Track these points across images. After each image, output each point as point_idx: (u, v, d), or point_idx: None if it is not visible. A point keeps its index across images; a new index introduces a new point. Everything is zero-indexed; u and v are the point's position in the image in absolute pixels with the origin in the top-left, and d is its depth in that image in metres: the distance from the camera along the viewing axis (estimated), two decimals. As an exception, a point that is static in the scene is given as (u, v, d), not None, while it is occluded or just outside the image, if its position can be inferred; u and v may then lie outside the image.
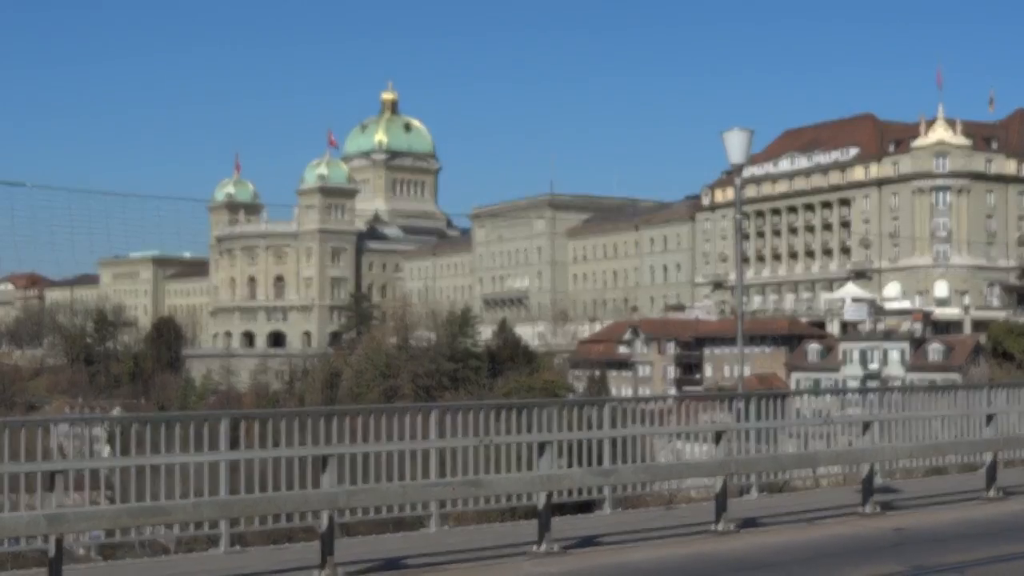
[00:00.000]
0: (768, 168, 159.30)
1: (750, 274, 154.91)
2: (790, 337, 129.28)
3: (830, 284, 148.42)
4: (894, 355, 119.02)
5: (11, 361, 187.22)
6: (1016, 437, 21.88)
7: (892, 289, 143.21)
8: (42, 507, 12.87)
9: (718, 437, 18.17)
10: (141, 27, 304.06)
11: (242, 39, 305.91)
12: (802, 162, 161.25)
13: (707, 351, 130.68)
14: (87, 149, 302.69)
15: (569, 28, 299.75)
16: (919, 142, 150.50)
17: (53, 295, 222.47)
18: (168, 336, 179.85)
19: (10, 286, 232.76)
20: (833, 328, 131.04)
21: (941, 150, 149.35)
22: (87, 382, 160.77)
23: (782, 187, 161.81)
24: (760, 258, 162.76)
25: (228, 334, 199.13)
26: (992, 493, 19.72)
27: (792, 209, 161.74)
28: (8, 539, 13.15)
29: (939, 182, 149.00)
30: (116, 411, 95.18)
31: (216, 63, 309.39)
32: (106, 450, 17.84)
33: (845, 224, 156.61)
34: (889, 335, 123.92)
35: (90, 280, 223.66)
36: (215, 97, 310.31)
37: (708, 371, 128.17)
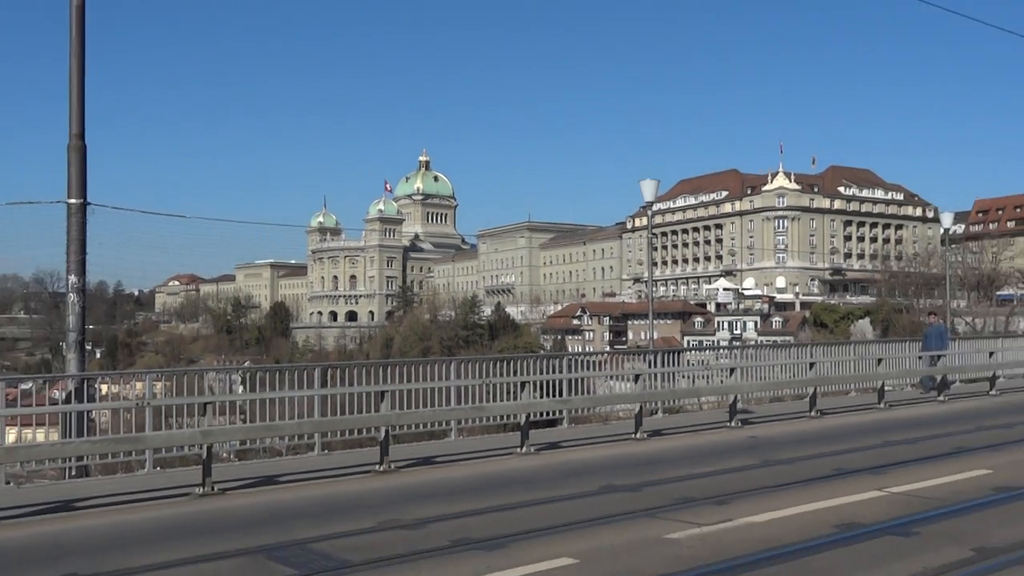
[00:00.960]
0: (669, 204, 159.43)
1: (657, 273, 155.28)
2: (683, 313, 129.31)
3: (709, 279, 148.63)
4: (750, 324, 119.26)
5: (177, 332, 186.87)
6: (827, 377, 21.91)
7: (748, 282, 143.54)
8: (198, 426, 12.84)
9: (636, 378, 18.18)
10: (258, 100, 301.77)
11: (332, 113, 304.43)
12: (691, 200, 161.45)
13: (629, 322, 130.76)
14: (222, 187, 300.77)
15: (539, 103, 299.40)
16: (767, 187, 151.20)
17: (205, 288, 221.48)
18: (280, 314, 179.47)
19: (176, 282, 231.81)
20: (711, 307, 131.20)
21: (781, 192, 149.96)
22: (228, 344, 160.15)
23: (678, 216, 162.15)
24: (664, 262, 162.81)
25: (320, 313, 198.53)
26: (813, 413, 19.81)
27: (684, 231, 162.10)
28: (177, 447, 13.15)
29: (779, 213, 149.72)
30: (247, 363, 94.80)
31: (311, 130, 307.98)
32: (240, 388, 17.80)
33: (719, 240, 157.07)
34: (747, 311, 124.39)
35: (229, 278, 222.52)
36: (311, 155, 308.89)
37: (630, 335, 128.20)
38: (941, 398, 22.63)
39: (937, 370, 23.52)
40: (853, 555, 8.29)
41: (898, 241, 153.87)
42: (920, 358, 24.04)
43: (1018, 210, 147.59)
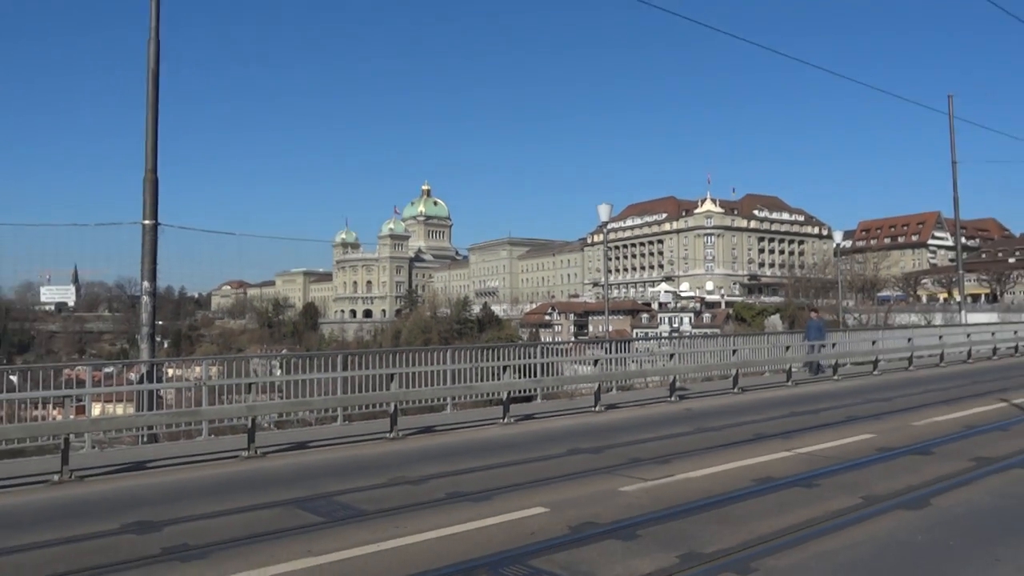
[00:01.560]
0: (621, 224, 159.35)
1: (612, 279, 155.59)
2: (633, 310, 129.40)
3: (653, 283, 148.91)
4: (686, 319, 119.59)
5: (228, 326, 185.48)
6: (747, 361, 21.86)
7: (684, 286, 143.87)
8: (244, 402, 12.72)
9: (596, 362, 18.15)
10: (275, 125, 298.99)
11: (354, 153, 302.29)
12: (638, 221, 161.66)
13: (590, 318, 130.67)
14: (266, 210, 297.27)
15: (519, 144, 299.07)
16: (698, 210, 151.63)
17: (251, 291, 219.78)
18: (311, 313, 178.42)
19: (227, 287, 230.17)
20: (655, 306, 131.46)
21: (709, 215, 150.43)
22: (269, 337, 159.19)
23: (628, 233, 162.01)
24: (617, 270, 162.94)
25: (343, 311, 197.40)
26: (736, 390, 19.57)
27: (633, 245, 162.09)
28: (227, 419, 13.04)
29: (708, 231, 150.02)
30: (284, 351, 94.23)
31: (338, 164, 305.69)
32: (279, 371, 17.65)
33: (660, 253, 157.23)
34: (683, 309, 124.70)
35: (270, 284, 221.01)
36: (338, 184, 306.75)
37: (591, 328, 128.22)
38: (836, 377, 22.67)
39: (816, 356, 22.88)
40: (768, 503, 8.30)
41: (800, 253, 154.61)
42: (801, 346, 23.50)
43: (892, 229, 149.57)
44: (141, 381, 13.99)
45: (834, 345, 24.94)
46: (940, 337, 29.26)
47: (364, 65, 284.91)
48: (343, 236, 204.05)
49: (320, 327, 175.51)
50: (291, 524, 7.86)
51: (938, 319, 74.96)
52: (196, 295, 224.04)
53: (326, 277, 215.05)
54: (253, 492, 9.33)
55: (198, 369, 15.79)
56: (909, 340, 27.61)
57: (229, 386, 13.94)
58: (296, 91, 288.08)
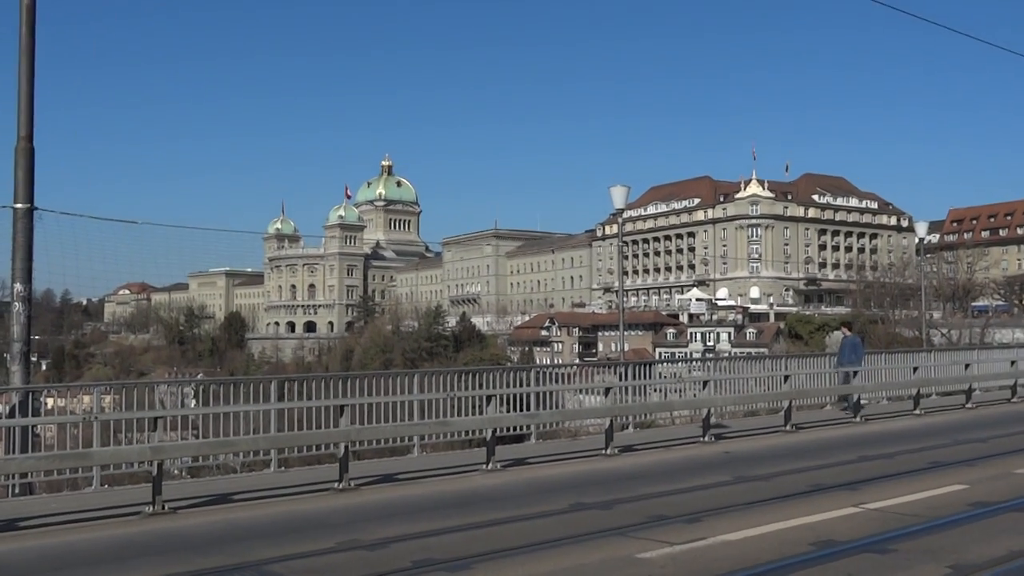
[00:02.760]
0: (640, 211, 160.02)
1: (628, 283, 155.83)
2: (655, 324, 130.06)
3: (681, 289, 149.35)
4: (723, 335, 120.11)
5: (127, 342, 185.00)
6: (803, 391, 22.04)
7: (722, 292, 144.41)
8: (148, 442, 12.70)
9: (607, 391, 18.22)
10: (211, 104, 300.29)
11: (290, 117, 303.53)
12: (662, 208, 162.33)
13: (600, 334, 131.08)
14: (175, 193, 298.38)
15: (506, 107, 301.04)
16: (740, 195, 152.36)
17: (157, 297, 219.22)
18: (235, 325, 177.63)
19: (126, 291, 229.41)
20: (683, 318, 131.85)
21: (754, 200, 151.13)
22: (180, 356, 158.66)
23: (649, 224, 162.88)
24: (635, 271, 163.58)
25: (277, 323, 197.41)
26: (788, 428, 19.86)
27: (656, 239, 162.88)
28: (126, 463, 13.05)
29: (753, 222, 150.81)
30: (200, 376, 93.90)
31: (268, 130, 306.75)
32: (193, 402, 17.62)
33: (691, 249, 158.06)
34: (720, 323, 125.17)
35: (182, 287, 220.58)
36: (266, 156, 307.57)
37: (600, 347, 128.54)
38: (918, 411, 22.77)
39: (851, 388, 22.40)
40: (830, 573, 8.34)
41: (873, 250, 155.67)
42: (836, 374, 23.07)
43: (992, 220, 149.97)
44: (12, 415, 13.92)
45: (916, 370, 25.11)
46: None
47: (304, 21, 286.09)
48: (277, 226, 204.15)
49: (248, 344, 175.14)
50: (209, 601, 7.87)
51: (1050, 336, 75.62)
52: (85, 302, 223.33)
53: (255, 279, 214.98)
54: (159, 559, 9.31)
55: (87, 399, 15.72)
56: (1013, 364, 27.83)
57: (128, 421, 13.90)
58: (218, 38, 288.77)
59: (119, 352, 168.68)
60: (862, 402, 22.53)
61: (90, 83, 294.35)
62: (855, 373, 22.83)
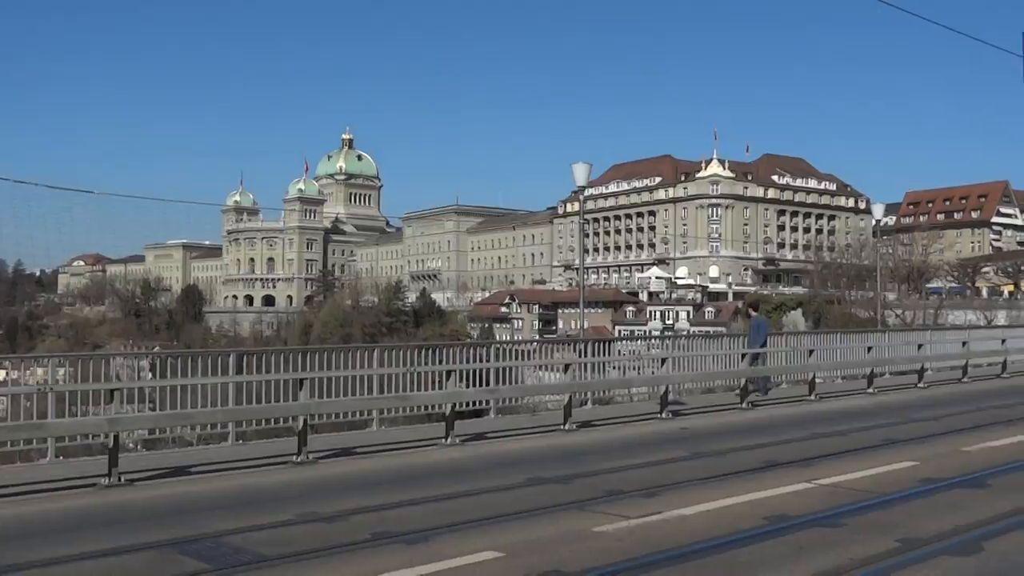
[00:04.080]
0: (601, 189, 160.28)
1: (588, 260, 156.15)
2: (615, 302, 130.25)
3: (641, 267, 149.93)
4: (682, 314, 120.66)
5: (82, 315, 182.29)
6: (759, 369, 22.18)
7: (682, 271, 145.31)
8: (104, 414, 12.59)
9: (566, 368, 18.30)
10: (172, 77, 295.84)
11: (248, 87, 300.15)
12: (624, 186, 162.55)
13: (560, 311, 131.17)
14: (132, 162, 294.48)
15: (469, 81, 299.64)
16: (701, 174, 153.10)
17: (112, 269, 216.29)
18: (193, 298, 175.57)
19: (81, 262, 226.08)
20: (643, 296, 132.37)
21: (715, 180, 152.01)
22: (136, 329, 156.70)
23: (611, 202, 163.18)
24: (596, 249, 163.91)
25: (235, 297, 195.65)
26: (745, 405, 20.06)
27: (617, 217, 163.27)
28: (81, 435, 12.93)
29: (713, 201, 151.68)
30: (156, 349, 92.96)
31: (225, 102, 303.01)
32: (149, 375, 17.49)
33: (652, 228, 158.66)
34: (679, 301, 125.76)
35: (138, 259, 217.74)
36: (226, 128, 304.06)
37: (560, 324, 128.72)
38: (872, 390, 23.12)
39: (759, 370, 22.05)
40: (781, 547, 8.47)
41: (830, 231, 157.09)
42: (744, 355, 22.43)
43: (947, 203, 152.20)
44: (-36, 385, 13.74)
45: (870, 350, 25.49)
46: (1003, 341, 30.07)
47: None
48: (236, 198, 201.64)
49: (205, 317, 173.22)
50: (168, 574, 7.83)
51: (1001, 318, 77.07)
52: (38, 273, 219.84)
53: (213, 252, 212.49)
54: (116, 532, 9.26)
55: (41, 371, 15.58)
56: (964, 344, 28.31)
57: (83, 393, 13.77)
58: (176, 4, 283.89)
59: (73, 324, 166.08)
60: (778, 384, 23.19)
61: (50, 55, 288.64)
62: (758, 355, 22.37)
